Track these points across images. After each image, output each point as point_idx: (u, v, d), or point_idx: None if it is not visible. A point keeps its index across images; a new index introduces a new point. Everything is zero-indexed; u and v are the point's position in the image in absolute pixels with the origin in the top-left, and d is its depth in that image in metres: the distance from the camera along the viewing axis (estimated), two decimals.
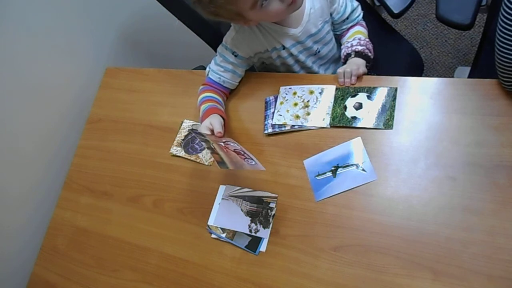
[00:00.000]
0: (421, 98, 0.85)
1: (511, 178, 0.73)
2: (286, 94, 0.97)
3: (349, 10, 0.98)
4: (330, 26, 1.01)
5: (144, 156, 1.08)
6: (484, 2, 1.06)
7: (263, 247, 0.85)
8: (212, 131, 0.87)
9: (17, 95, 1.09)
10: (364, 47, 0.96)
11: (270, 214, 0.87)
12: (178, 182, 1.00)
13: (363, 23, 1.03)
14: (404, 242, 0.75)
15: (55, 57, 1.20)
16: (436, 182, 0.77)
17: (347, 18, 1.00)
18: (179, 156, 1.03)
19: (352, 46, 0.97)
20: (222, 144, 0.84)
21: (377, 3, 1.20)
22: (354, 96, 0.90)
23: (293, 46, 0.97)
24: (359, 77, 0.92)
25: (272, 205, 0.87)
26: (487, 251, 0.69)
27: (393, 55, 1.19)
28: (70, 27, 1.23)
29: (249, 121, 1.00)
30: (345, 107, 0.89)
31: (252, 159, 0.82)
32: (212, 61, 1.02)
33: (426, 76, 1.09)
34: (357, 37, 0.99)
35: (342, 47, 1.02)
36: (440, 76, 1.40)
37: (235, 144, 0.83)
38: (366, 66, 0.94)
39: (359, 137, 0.86)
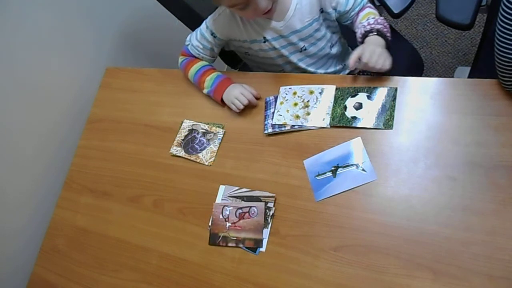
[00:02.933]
0: (421, 98, 0.85)
1: (511, 178, 0.73)
2: (286, 94, 0.97)
3: (352, 1, 0.95)
4: (323, 25, 0.99)
5: (144, 156, 1.08)
6: (484, 2, 1.06)
7: (263, 247, 0.85)
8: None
9: (17, 95, 1.09)
10: (382, 26, 0.89)
11: (268, 214, 0.87)
12: (178, 182, 1.00)
13: (371, 5, 0.97)
14: (404, 242, 0.75)
15: (55, 57, 1.20)
16: (436, 182, 0.77)
17: (352, 6, 0.95)
18: (179, 156, 1.03)
19: (369, 24, 0.89)
20: (229, 224, 0.89)
21: (377, 3, 1.19)
22: (354, 96, 0.90)
23: (275, 40, 0.97)
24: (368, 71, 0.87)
25: (270, 204, 0.87)
26: (487, 251, 0.69)
27: (393, 55, 1.19)
28: (70, 27, 1.23)
29: (249, 121, 1.00)
30: (345, 107, 0.89)
31: (251, 206, 0.87)
32: (194, 34, 1.04)
33: (426, 76, 1.09)
34: (371, 16, 0.92)
35: (357, 29, 0.94)
36: (440, 76, 1.40)
37: (230, 208, 0.89)
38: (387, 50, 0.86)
39: (359, 137, 0.86)
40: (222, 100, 1.01)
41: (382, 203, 0.79)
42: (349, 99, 0.90)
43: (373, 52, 0.83)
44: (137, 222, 1.00)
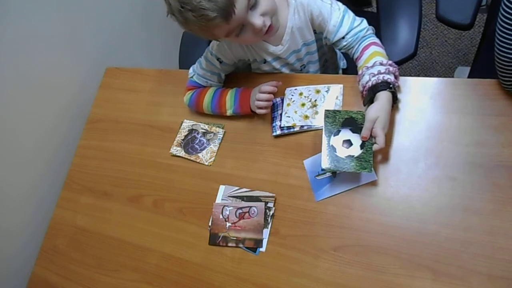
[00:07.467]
0: (421, 98, 0.85)
1: (511, 178, 0.73)
2: (292, 95, 0.96)
3: (344, 30, 0.87)
4: (320, 44, 0.98)
5: (144, 156, 1.08)
6: (484, 2, 1.06)
7: (263, 247, 0.85)
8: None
9: (17, 95, 1.09)
10: (392, 76, 0.81)
11: (268, 214, 0.87)
12: (178, 182, 1.00)
13: (376, 40, 0.88)
14: (404, 242, 0.75)
15: (55, 56, 1.20)
16: (436, 182, 0.77)
17: (344, 37, 0.88)
18: (179, 156, 1.03)
19: (379, 73, 0.80)
20: (229, 224, 0.89)
21: None
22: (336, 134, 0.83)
23: (274, 61, 0.98)
24: None
25: (270, 204, 0.87)
26: (487, 251, 0.69)
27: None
28: (70, 26, 1.23)
29: (249, 121, 1.00)
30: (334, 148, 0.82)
31: (251, 206, 0.87)
32: (197, 64, 1.03)
33: (426, 76, 1.09)
34: (379, 60, 0.82)
35: (361, 73, 0.84)
36: (440, 76, 1.40)
37: (230, 208, 0.88)
38: (395, 100, 0.81)
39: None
40: (251, 109, 0.96)
41: (382, 203, 0.79)
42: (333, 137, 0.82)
43: (385, 125, 0.78)
44: (137, 222, 1.00)
